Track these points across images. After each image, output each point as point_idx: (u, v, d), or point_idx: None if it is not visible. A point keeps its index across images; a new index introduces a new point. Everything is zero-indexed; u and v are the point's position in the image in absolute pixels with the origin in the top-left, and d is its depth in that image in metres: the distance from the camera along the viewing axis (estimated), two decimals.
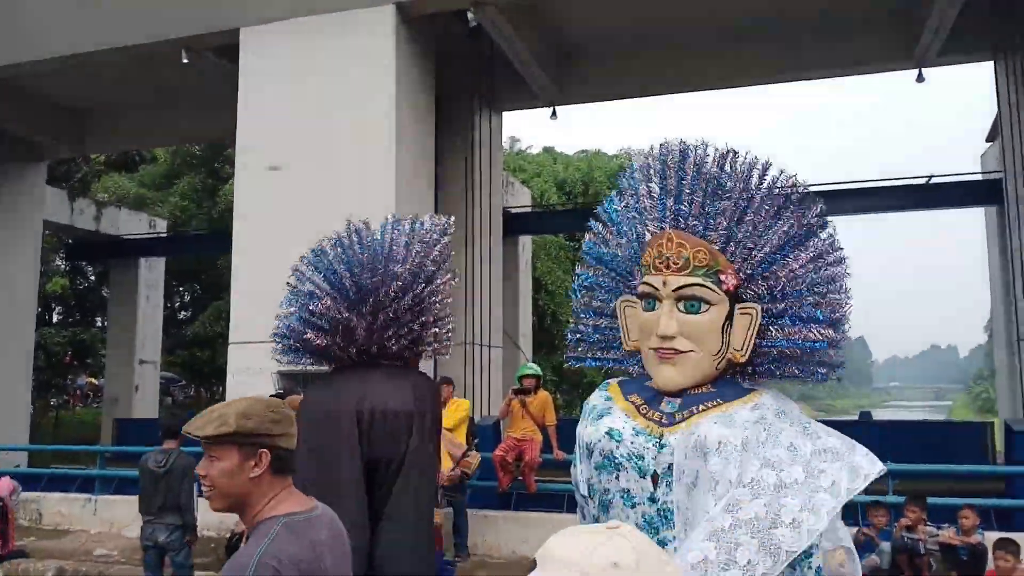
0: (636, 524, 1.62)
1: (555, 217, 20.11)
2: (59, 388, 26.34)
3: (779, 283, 1.88)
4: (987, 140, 15.38)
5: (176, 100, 13.90)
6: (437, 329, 3.50)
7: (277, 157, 9.19)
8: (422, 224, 3.52)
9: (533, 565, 1.03)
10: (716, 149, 1.95)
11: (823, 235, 1.98)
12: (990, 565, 5.94)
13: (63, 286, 23.39)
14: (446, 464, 5.53)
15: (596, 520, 1.69)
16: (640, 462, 1.68)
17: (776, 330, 1.87)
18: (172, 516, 5.16)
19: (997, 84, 11.76)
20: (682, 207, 1.89)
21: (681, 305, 1.81)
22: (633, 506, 1.67)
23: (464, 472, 6.67)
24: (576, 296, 2.06)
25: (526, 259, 17.13)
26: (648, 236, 1.90)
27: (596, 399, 1.91)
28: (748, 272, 1.87)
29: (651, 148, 1.95)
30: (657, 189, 1.92)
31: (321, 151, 9.01)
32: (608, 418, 1.77)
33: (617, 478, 1.69)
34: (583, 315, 2.05)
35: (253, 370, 8.39)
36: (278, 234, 8.58)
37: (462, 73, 12.25)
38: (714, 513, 1.60)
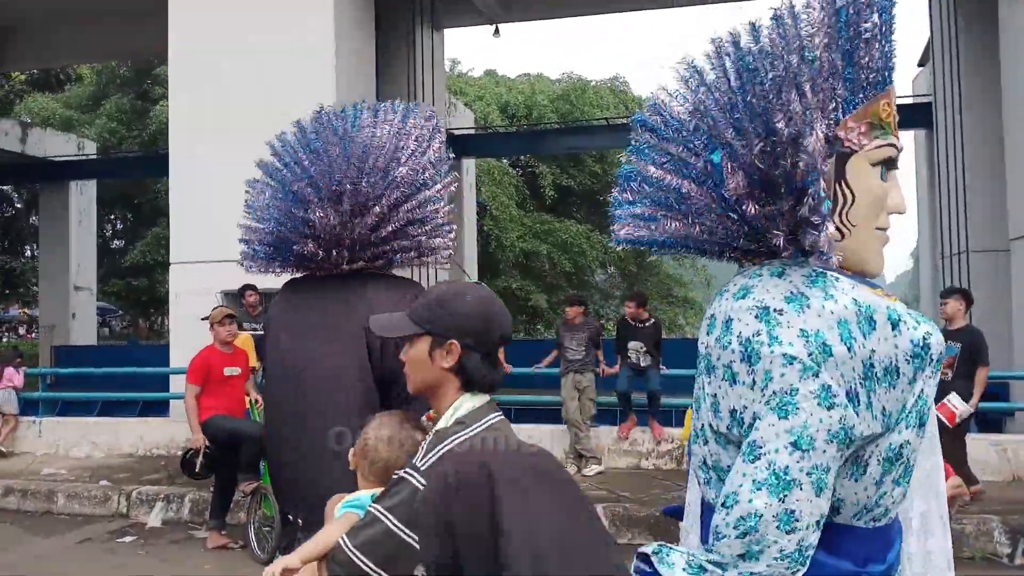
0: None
1: (500, 139, 19.96)
2: None
3: None
4: (918, 64, 15.74)
5: (100, 15, 13.27)
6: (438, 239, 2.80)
7: (213, 71, 8.93)
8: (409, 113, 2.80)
9: None
10: None
11: None
12: None
13: None
14: None
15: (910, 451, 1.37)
16: None
17: None
18: None
19: (931, 8, 11.99)
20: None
21: None
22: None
23: None
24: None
25: (470, 182, 17.10)
26: (873, 77, 1.39)
27: (869, 298, 1.33)
28: None
29: None
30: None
31: (259, 65, 8.77)
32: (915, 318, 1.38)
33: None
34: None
35: (197, 290, 8.32)
36: (216, 149, 8.40)
37: None
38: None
